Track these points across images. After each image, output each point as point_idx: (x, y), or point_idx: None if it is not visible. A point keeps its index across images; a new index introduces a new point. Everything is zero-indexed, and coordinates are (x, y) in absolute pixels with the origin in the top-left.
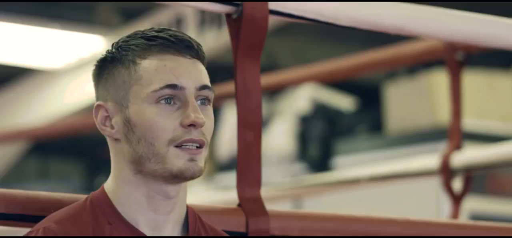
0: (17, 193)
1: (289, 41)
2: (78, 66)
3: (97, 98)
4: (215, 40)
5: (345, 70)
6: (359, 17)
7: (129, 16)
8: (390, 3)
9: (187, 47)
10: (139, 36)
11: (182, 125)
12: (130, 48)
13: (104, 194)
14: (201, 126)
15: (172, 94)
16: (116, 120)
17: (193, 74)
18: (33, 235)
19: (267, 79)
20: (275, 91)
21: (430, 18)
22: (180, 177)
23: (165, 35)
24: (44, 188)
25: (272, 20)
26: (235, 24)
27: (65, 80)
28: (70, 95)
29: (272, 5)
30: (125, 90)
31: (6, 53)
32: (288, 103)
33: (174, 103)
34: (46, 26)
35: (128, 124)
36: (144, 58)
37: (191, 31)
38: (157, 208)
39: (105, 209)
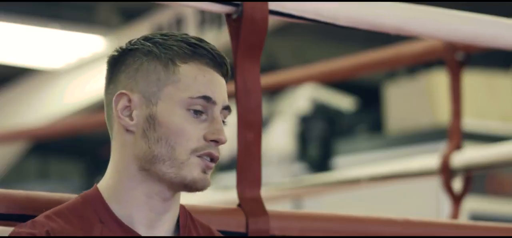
0: (17, 193)
1: (289, 41)
2: (78, 66)
3: (116, 85)
4: (215, 40)
5: (345, 70)
6: (358, 17)
7: (129, 16)
8: (389, 3)
9: (222, 65)
10: (179, 39)
11: (205, 138)
12: (171, 48)
13: (97, 192)
14: (222, 144)
15: (204, 106)
16: (138, 113)
17: (223, 93)
18: (22, 228)
19: (267, 79)
20: (275, 91)
21: (430, 18)
22: (189, 187)
23: (206, 47)
24: (44, 188)
25: (272, 20)
26: (235, 24)
27: (65, 80)
28: (70, 95)
29: (272, 5)
30: (158, 87)
31: (6, 53)
32: (288, 103)
33: (202, 114)
34: (46, 26)
35: (152, 121)
36: (185, 62)
37: (191, 31)
38: (154, 208)
39: (97, 207)
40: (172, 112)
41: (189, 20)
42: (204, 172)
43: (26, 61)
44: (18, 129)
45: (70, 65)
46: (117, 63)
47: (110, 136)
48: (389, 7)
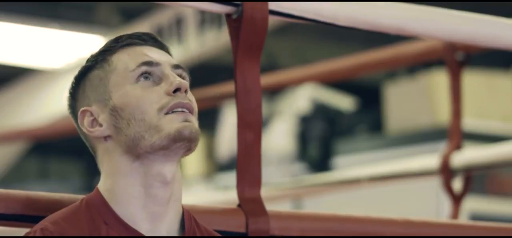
0: (17, 193)
1: (289, 41)
2: (78, 66)
3: (76, 112)
4: (215, 40)
5: (345, 70)
6: (358, 17)
7: (129, 16)
8: (389, 3)
9: (152, 39)
10: (106, 43)
11: (167, 93)
12: (99, 52)
13: (99, 194)
14: (186, 89)
15: (149, 71)
16: (103, 117)
17: (164, 57)
18: (31, 235)
19: (267, 79)
20: (275, 91)
21: (430, 18)
22: (179, 139)
23: (127, 33)
24: (44, 188)
25: (272, 20)
26: (235, 24)
27: (65, 80)
28: None
29: (272, 5)
30: (104, 84)
31: (6, 53)
32: (288, 103)
33: (154, 80)
34: (46, 26)
35: (115, 112)
36: (115, 53)
37: (191, 31)
38: (155, 197)
39: (100, 209)
40: (125, 92)
41: (189, 20)
42: (186, 120)
43: (26, 61)
44: (18, 129)
45: (70, 65)
46: (71, 96)
47: (93, 155)
48: (389, 7)
